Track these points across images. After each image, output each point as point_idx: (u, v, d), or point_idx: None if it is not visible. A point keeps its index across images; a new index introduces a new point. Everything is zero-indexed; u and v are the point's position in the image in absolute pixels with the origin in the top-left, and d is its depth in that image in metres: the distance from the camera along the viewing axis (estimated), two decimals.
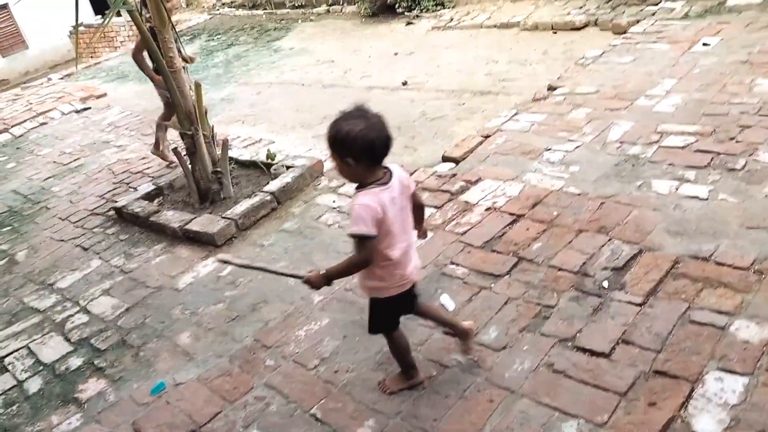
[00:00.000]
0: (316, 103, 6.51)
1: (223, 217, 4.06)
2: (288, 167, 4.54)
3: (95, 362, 3.17)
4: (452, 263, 3.20)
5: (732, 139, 3.66)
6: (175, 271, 3.80)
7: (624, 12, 6.44)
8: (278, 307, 3.24)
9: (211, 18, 12.98)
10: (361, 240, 2.10)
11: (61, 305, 3.77)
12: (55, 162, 6.40)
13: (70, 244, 4.51)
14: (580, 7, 6.95)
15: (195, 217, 4.15)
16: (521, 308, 2.77)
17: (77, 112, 8.20)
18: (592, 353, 2.43)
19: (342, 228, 3.80)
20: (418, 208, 2.36)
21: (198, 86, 4.22)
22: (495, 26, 7.30)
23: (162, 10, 4.01)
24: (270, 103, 6.82)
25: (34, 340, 3.48)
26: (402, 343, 2.45)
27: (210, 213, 4.31)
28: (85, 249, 4.36)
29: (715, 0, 5.93)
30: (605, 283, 2.79)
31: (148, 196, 4.69)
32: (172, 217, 4.22)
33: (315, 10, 10.78)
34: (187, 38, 11.70)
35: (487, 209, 3.58)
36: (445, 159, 4.41)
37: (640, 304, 2.61)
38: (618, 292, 2.72)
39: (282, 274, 2.52)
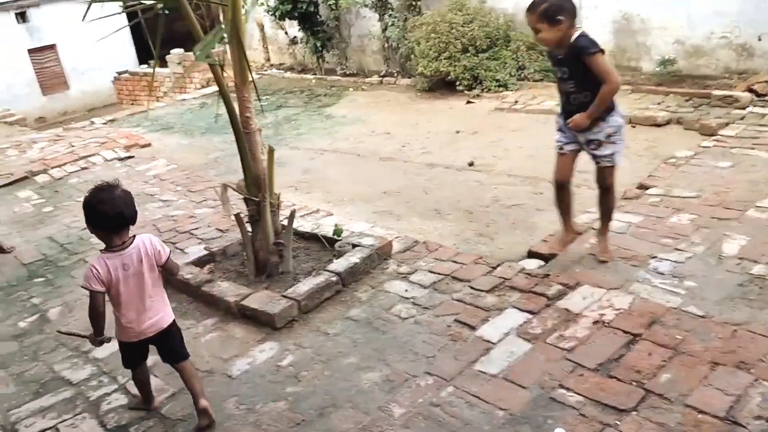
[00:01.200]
0: (374, 175, 6.19)
1: (284, 296, 3.63)
2: (354, 245, 4.14)
3: None
4: (562, 387, 2.71)
5: None
6: (228, 354, 3.34)
7: (709, 113, 6.14)
8: (350, 415, 2.76)
9: (259, 78, 12.96)
10: (90, 293, 2.63)
11: (96, 379, 3.30)
12: None
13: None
14: (659, 103, 6.67)
15: (252, 293, 3.72)
16: None
17: (120, 159, 7.96)
18: None
19: (419, 323, 3.35)
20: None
21: (271, 151, 3.89)
22: None
23: (245, 67, 3.74)
24: (324, 171, 6.52)
25: (64, 420, 3.00)
26: (139, 379, 2.96)
27: (266, 288, 3.89)
28: None
29: None
30: None
31: (199, 262, 4.29)
32: (227, 290, 3.79)
33: (367, 80, 10.68)
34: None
35: (595, 322, 3.12)
36: (532, 254, 3.99)
37: None
38: None
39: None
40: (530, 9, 3.41)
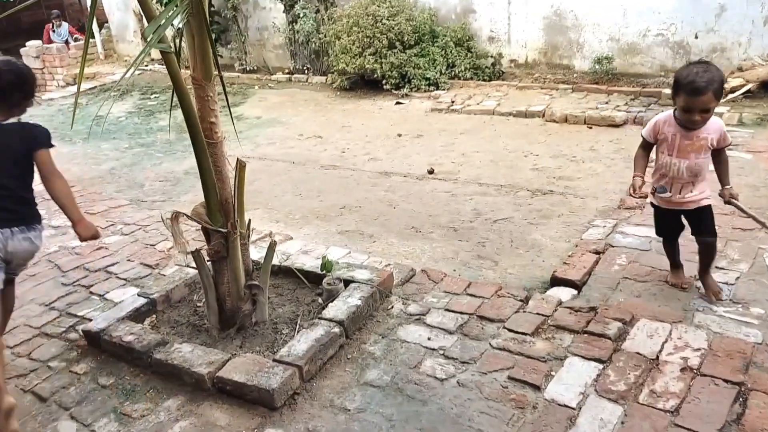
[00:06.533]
0: (321, 187, 5.34)
1: (278, 361, 2.75)
2: (346, 282, 3.33)
3: None
4: None
5: None
6: None
7: (662, 111, 5.93)
8: None
9: (140, 74, 11.47)
10: None
11: None
12: None
13: (13, 387, 2.95)
14: (606, 102, 6.42)
15: (230, 358, 2.80)
16: None
17: None
18: None
19: (464, 386, 2.62)
20: None
21: (242, 167, 2.96)
22: (511, 114, 6.59)
23: (209, 57, 2.80)
24: (258, 183, 5.55)
25: None
26: None
27: (241, 347, 2.98)
28: (43, 399, 2.83)
29: (766, 108, 5.56)
30: None
31: (137, 315, 3.26)
32: (192, 356, 2.82)
33: (273, 77, 9.69)
34: (114, 94, 10.16)
35: (683, 369, 2.57)
36: (557, 281, 3.41)
37: None
38: None
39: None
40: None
